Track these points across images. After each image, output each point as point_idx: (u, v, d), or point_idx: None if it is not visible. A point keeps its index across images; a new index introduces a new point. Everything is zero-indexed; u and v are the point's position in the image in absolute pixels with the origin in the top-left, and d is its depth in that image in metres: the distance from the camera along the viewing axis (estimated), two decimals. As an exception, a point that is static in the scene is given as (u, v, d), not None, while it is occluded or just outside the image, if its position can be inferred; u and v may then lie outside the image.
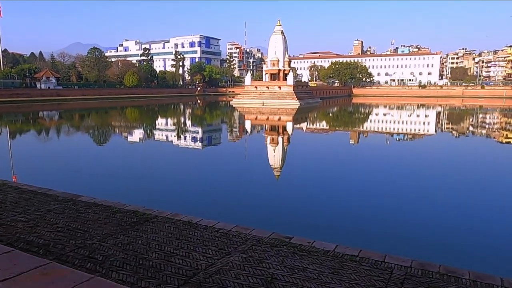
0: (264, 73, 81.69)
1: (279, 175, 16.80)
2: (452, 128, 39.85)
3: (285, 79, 72.82)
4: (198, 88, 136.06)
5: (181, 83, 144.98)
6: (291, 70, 74.16)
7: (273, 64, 74.22)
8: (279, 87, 70.92)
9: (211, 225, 7.03)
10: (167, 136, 32.19)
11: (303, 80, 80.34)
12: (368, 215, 11.08)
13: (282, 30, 74.74)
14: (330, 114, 60.52)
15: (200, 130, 38.88)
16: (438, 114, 61.38)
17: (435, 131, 37.54)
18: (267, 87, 72.56)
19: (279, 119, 48.90)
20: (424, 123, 46.86)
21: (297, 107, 65.96)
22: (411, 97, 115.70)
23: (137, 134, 33.44)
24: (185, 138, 31.18)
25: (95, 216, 7.51)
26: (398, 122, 46.58)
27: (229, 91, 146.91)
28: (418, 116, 56.67)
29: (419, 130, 39.04)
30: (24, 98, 76.91)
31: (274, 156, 22.26)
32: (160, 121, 47.83)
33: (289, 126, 40.49)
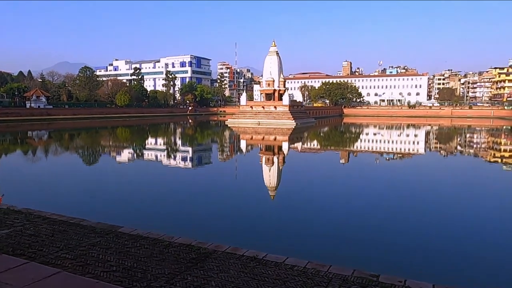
0: (259, 93, 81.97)
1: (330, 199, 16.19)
2: (445, 147, 39.99)
3: (280, 99, 72.93)
4: (190, 108, 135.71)
5: (172, 102, 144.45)
6: (286, 90, 74.44)
7: (268, 84, 74.42)
8: (275, 107, 70.91)
9: (281, 261, 6.38)
10: (173, 157, 31.42)
11: (297, 100, 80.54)
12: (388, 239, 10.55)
13: (277, 51, 75.31)
14: (328, 134, 60.46)
15: (203, 150, 38.17)
16: (431, 134, 61.86)
17: (431, 150, 37.56)
18: (263, 107, 72.49)
19: (282, 139, 48.47)
20: (416, 142, 46.97)
21: (293, 127, 65.85)
22: (401, 117, 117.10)
23: (140, 155, 32.53)
24: (189, 159, 30.45)
25: (146, 252, 6.79)
26: (392, 142, 46.68)
27: (220, 111, 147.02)
28: (409, 136, 56.98)
29: (414, 150, 39.06)
30: (14, 117, 75.25)
31: (285, 179, 21.70)
32: (159, 142, 46.94)
33: (298, 146, 40.11)
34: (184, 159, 30.55)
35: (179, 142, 47.01)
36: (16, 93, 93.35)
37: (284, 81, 77.79)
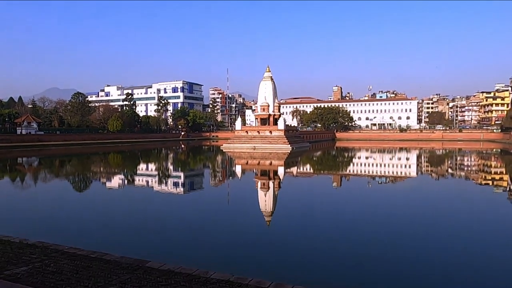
0: (252, 118, 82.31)
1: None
2: (444, 171, 39.98)
3: (275, 123, 73.02)
4: (182, 133, 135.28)
5: (164, 127, 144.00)
6: (281, 115, 74.71)
7: (263, 109, 74.65)
8: (270, 132, 70.87)
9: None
10: (173, 184, 30.73)
11: (292, 125, 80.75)
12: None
13: (271, 76, 76.02)
14: (325, 158, 60.31)
15: (203, 177, 37.53)
16: (426, 157, 62.17)
17: (431, 174, 37.50)
18: (258, 131, 72.42)
19: (278, 163, 48.06)
20: (412, 166, 46.97)
21: (289, 151, 65.65)
22: (393, 140, 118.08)
23: (140, 182, 31.76)
24: (189, 185, 29.82)
25: (185, 290, 6.26)
26: (388, 166, 46.62)
27: (213, 136, 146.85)
28: (403, 159, 57.13)
29: (410, 173, 38.94)
30: (4, 144, 73.78)
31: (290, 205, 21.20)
32: (158, 168, 46.16)
33: (296, 170, 39.74)
34: (183, 185, 29.91)
35: (178, 168, 46.31)
36: (6, 119, 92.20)
37: (279, 106, 78.19)
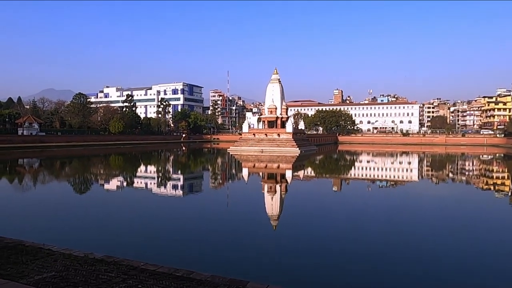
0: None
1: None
2: (454, 176, 39.12)
3: (282, 126, 72.05)
4: (184, 135, 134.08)
5: (165, 129, 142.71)
6: (289, 118, 73.78)
7: (271, 112, 73.68)
8: (278, 135, 69.89)
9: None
10: (182, 187, 29.69)
11: (299, 128, 79.86)
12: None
13: (279, 78, 75.15)
14: (335, 162, 59.36)
15: (217, 180, 36.45)
16: (433, 161, 61.48)
17: (444, 180, 36.69)
18: (266, 134, 71.41)
19: (286, 167, 47.03)
20: (421, 170, 46.19)
21: (298, 154, 64.70)
22: (395, 144, 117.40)
23: (150, 186, 30.64)
24: (199, 189, 28.76)
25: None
26: (398, 170, 46.03)
27: (214, 138, 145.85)
28: (410, 163, 56.40)
29: (420, 178, 38.41)
30: (6, 144, 72.27)
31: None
32: (167, 172, 45.05)
33: (306, 174, 38.74)
34: (190, 188, 28.97)
35: (191, 172, 45.24)
36: (7, 119, 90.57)
37: (287, 109, 77.36)
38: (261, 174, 40.16)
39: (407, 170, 46.50)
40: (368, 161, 58.51)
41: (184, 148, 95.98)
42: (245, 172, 42.34)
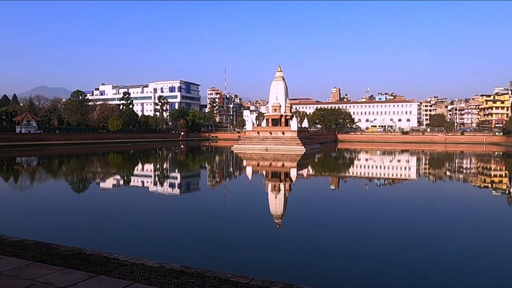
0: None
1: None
2: (463, 174, 38.71)
3: (286, 124, 71.36)
4: (182, 133, 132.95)
5: (164, 127, 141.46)
6: (294, 116, 73.09)
7: (275, 110, 72.94)
8: (283, 133, 69.16)
9: None
10: (187, 186, 28.86)
11: (303, 126, 79.23)
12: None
13: (283, 76, 74.37)
14: (342, 160, 58.76)
15: (229, 180, 35.64)
16: (435, 159, 61.24)
17: (450, 177, 36.30)
18: (270, 132, 70.61)
19: (290, 165, 46.31)
20: (424, 168, 45.82)
21: (303, 153, 64.04)
22: (395, 142, 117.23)
23: (156, 185, 29.79)
24: (206, 187, 27.97)
25: None
26: (405, 169, 45.66)
27: (212, 136, 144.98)
28: (412, 161, 56.05)
29: (425, 176, 38.03)
30: (4, 143, 70.74)
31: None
32: (171, 170, 44.17)
33: (315, 173, 38.08)
34: (196, 186, 28.20)
35: (196, 171, 44.43)
36: (4, 117, 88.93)
37: (291, 107, 76.70)
38: (265, 172, 39.38)
39: (411, 168, 46.05)
40: (371, 159, 58.06)
41: (182, 146, 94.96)
42: (249, 170, 41.50)
